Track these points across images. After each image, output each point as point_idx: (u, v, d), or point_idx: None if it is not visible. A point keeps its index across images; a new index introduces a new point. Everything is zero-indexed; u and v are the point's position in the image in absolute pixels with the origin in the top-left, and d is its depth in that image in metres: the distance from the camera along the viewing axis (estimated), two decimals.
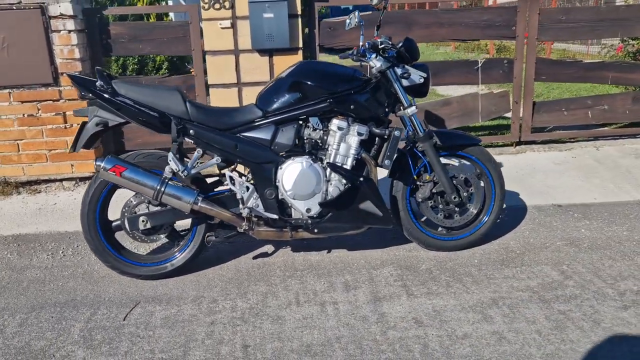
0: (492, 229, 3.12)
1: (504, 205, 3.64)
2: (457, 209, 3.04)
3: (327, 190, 2.79)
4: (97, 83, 2.64)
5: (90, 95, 2.65)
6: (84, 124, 2.72)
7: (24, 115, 4.05)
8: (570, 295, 2.59)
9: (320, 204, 2.77)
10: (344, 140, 2.78)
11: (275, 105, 2.76)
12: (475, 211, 3.06)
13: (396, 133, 2.81)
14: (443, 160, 3.02)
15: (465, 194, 3.03)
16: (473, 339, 2.27)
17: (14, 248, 3.30)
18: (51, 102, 4.04)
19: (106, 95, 2.63)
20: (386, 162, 2.81)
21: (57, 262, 3.13)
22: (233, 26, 4.09)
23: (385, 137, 2.82)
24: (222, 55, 4.14)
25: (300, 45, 4.15)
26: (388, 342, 2.26)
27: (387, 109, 2.88)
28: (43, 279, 2.94)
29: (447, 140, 2.98)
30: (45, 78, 3.99)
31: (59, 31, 3.93)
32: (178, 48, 4.28)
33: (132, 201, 2.81)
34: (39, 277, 2.95)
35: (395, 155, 2.86)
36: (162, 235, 2.83)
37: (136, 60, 6.39)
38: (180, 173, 2.66)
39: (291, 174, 2.74)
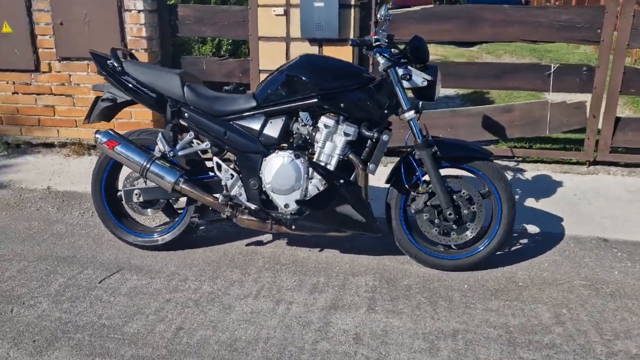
0: (494, 255, 2.82)
1: (538, 232, 3.27)
2: (454, 226, 2.78)
3: (306, 188, 2.72)
4: (107, 62, 2.85)
5: (103, 72, 2.87)
6: (97, 98, 2.96)
7: None
8: (548, 343, 2.26)
9: (297, 202, 2.72)
10: (330, 139, 2.69)
11: (268, 97, 2.75)
12: (472, 233, 2.78)
13: (384, 137, 2.64)
14: (448, 172, 2.78)
15: (465, 211, 2.77)
16: None
17: (57, 203, 3.72)
18: None
19: (113, 74, 2.83)
20: (371, 166, 2.67)
21: (83, 220, 3.46)
22: (286, 14, 4.11)
23: (374, 140, 2.67)
24: (274, 42, 4.19)
25: (352, 36, 4.05)
26: (311, 353, 2.18)
27: (386, 111, 2.72)
28: (63, 233, 3.28)
29: (448, 151, 2.73)
30: None
31: (130, 10, 4.27)
32: (237, 32, 4.41)
33: (134, 174, 3.00)
34: (60, 232, 3.30)
35: (388, 160, 2.70)
36: (149, 210, 2.99)
37: (230, 41, 6.69)
38: (167, 154, 2.79)
39: (272, 167, 2.72)
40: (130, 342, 2.23)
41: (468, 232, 2.78)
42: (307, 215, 2.73)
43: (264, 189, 2.79)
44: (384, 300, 2.58)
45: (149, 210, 3.00)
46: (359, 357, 2.16)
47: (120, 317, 2.41)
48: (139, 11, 4.26)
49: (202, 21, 4.41)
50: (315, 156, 2.71)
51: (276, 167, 2.71)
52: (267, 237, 3.23)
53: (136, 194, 2.92)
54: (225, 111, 2.81)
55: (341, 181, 2.66)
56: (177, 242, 3.02)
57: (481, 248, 2.78)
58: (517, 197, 3.78)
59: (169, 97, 2.81)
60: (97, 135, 2.83)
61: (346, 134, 2.66)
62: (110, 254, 3.02)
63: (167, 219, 3.17)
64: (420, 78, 2.66)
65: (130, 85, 2.81)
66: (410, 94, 2.73)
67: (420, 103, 2.75)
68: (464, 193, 2.76)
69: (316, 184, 2.71)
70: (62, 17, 4.36)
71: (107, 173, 3.01)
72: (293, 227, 2.78)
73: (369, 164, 2.67)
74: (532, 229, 3.34)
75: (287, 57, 4.19)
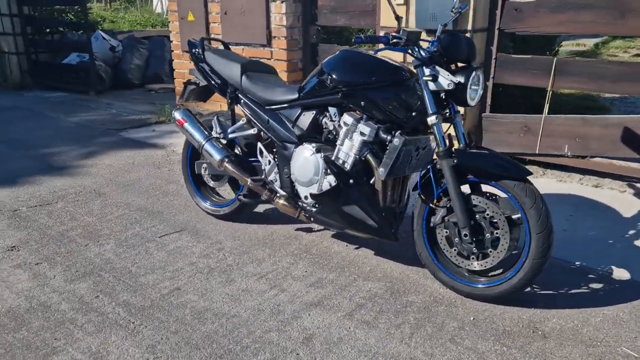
0: (514, 292, 2.40)
1: (625, 279, 2.66)
2: (475, 250, 2.46)
3: (322, 184, 2.73)
4: (192, 50, 3.27)
5: (191, 59, 3.31)
6: (187, 81, 3.43)
7: None
8: None
9: (311, 195, 2.75)
10: (349, 137, 2.63)
11: (307, 90, 2.82)
12: (489, 263, 2.42)
13: (395, 141, 2.47)
14: (485, 189, 2.47)
15: (488, 235, 2.42)
16: None
17: None
18: (265, 60, 4.89)
19: (195, 61, 3.24)
20: (380, 170, 2.52)
21: None
22: (406, 3, 3.98)
23: (387, 143, 2.51)
24: None
25: (469, 27, 3.72)
26: (254, 339, 2.26)
27: (414, 113, 2.53)
28: (169, 192, 3.91)
29: (470, 164, 2.41)
30: (262, 39, 4.86)
31: (275, 1, 4.67)
32: (366, 21, 4.44)
33: None
34: (168, 191, 3.94)
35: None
36: (215, 182, 3.36)
37: None
38: (218, 135, 3.10)
39: (297, 158, 2.81)
40: (132, 289, 2.65)
41: (475, 263, 2.44)
42: (320, 209, 2.75)
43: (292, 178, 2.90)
44: (371, 311, 2.47)
45: (215, 182, 3.38)
46: (292, 356, 2.17)
47: (145, 268, 2.85)
48: (282, 1, 4.63)
49: (336, 10, 4.57)
50: (334, 153, 2.69)
51: (299, 159, 2.79)
52: (318, 225, 3.31)
53: (204, 168, 3.32)
54: (272, 100, 2.97)
55: (351, 181, 2.60)
56: (235, 214, 3.34)
57: (508, 277, 2.39)
58: (632, 231, 3.05)
59: (231, 84, 3.10)
60: (174, 112, 3.30)
61: (362, 134, 2.57)
62: (187, 216, 3.51)
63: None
64: (447, 80, 2.39)
65: (204, 72, 3.19)
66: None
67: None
68: (487, 214, 2.41)
69: (330, 181, 2.70)
70: (226, 7, 5.02)
71: (191, 146, 3.48)
72: (312, 219, 2.83)
73: (379, 167, 2.54)
74: (620, 273, 2.69)
75: None
